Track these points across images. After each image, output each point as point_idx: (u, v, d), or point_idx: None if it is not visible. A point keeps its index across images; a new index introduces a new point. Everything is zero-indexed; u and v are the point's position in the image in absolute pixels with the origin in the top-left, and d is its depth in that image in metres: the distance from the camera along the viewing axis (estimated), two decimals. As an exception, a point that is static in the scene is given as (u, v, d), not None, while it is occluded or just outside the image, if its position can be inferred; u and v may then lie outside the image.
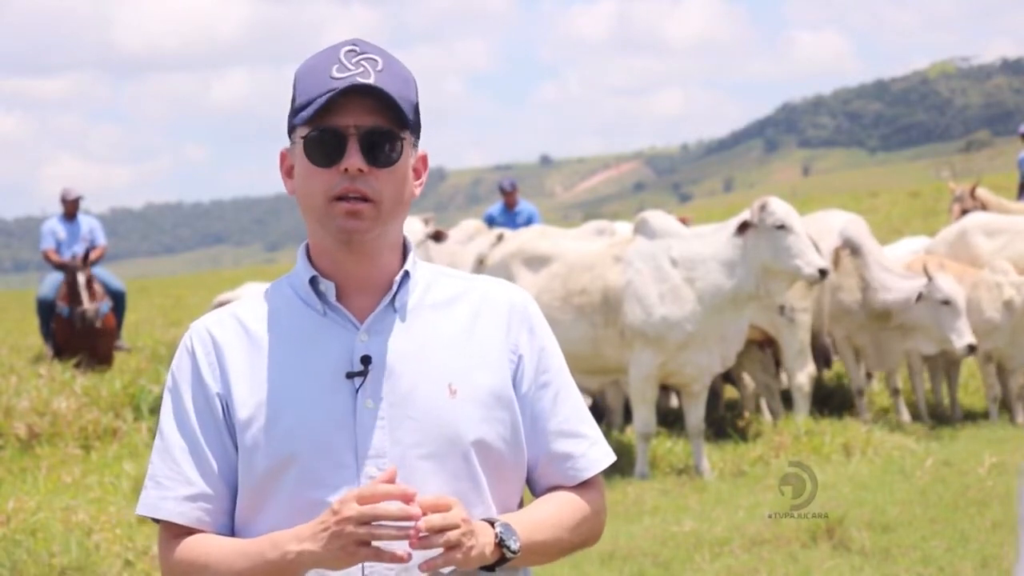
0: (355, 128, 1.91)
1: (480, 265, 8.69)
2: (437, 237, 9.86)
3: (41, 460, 8.21)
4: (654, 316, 7.44)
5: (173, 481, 1.97)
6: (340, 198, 1.92)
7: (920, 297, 8.14)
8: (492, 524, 1.92)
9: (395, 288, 1.99)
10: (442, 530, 1.82)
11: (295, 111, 1.96)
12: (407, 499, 1.80)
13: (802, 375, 8.45)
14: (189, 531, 1.97)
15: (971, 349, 8.03)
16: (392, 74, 1.94)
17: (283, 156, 2.03)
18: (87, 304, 11.13)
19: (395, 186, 1.95)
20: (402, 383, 1.95)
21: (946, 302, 8.07)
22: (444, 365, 1.97)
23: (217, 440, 1.97)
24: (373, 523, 1.80)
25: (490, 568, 1.91)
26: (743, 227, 7.34)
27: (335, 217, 1.93)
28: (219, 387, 1.97)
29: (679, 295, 7.41)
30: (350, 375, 1.94)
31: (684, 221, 10.38)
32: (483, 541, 1.87)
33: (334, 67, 1.92)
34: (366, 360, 1.94)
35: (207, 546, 1.95)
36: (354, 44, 1.96)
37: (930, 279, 8.13)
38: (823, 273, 7.22)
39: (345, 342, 1.96)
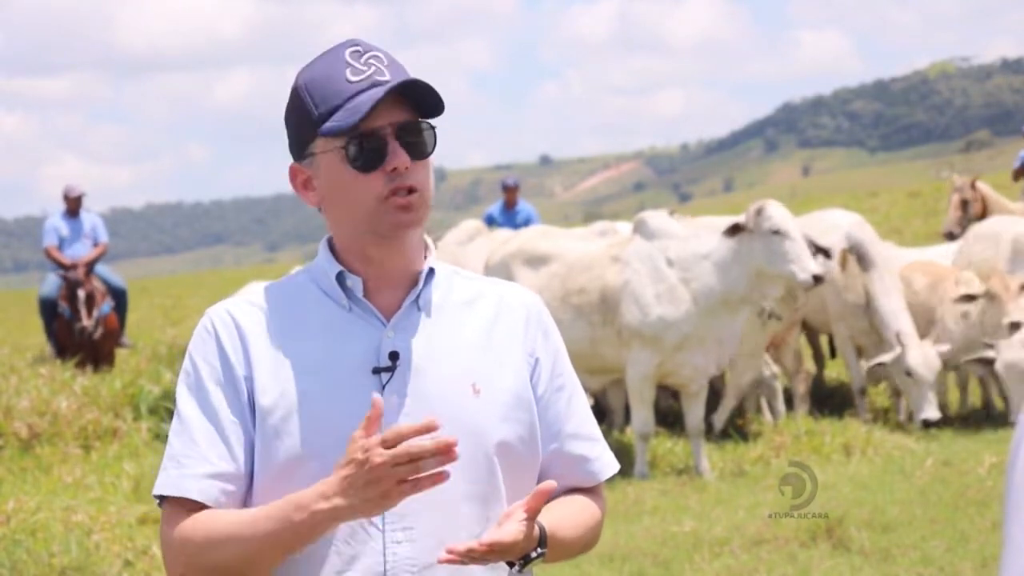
0: (391, 126, 1.92)
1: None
2: None
3: (41, 460, 8.22)
4: (650, 316, 7.44)
5: (193, 460, 1.93)
6: (390, 195, 1.93)
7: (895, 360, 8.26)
8: (539, 542, 1.93)
9: (421, 284, 2.00)
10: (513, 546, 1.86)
11: (316, 121, 1.93)
12: (432, 429, 1.76)
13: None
14: (199, 509, 1.93)
15: (926, 424, 8.15)
16: (398, 67, 1.96)
17: (295, 171, 2.01)
18: (86, 321, 11.19)
19: (429, 175, 1.98)
20: (427, 380, 1.95)
21: (908, 373, 8.19)
22: (468, 364, 1.98)
23: (241, 421, 1.94)
24: (411, 461, 1.76)
25: (510, 563, 1.94)
26: (734, 229, 7.31)
27: (388, 214, 1.92)
28: (244, 369, 1.95)
29: (675, 295, 7.40)
30: (377, 370, 1.94)
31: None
32: (518, 551, 1.90)
33: (347, 70, 1.92)
34: (394, 356, 1.94)
35: (219, 519, 1.90)
36: (355, 44, 1.96)
37: (903, 347, 8.20)
38: (817, 279, 7.17)
39: (371, 337, 1.96)
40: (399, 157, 1.91)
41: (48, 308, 11.64)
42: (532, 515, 1.88)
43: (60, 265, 11.56)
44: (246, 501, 1.96)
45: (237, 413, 1.94)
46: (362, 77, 1.91)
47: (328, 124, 1.91)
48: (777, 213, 7.28)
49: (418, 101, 1.94)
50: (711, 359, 7.49)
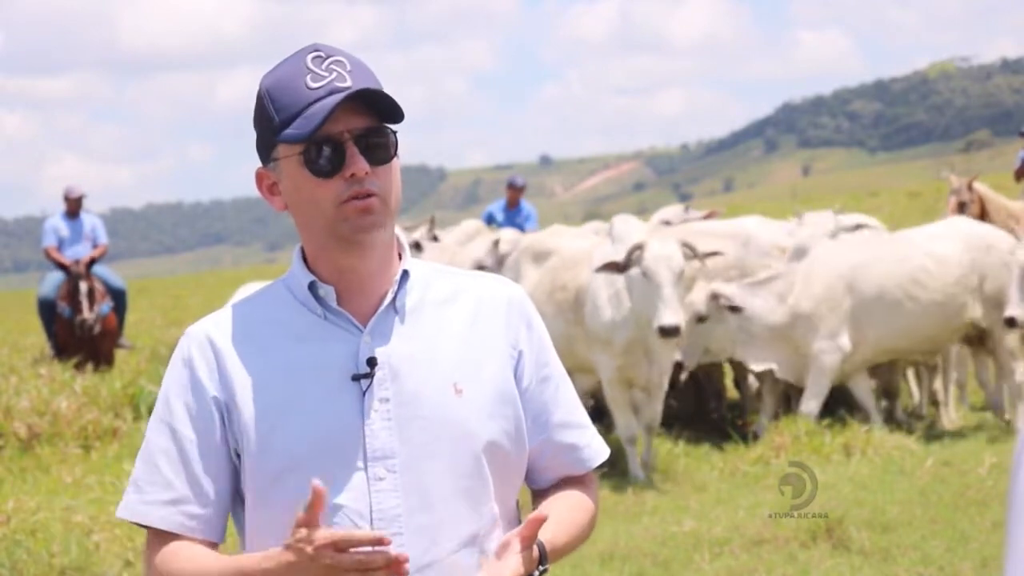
0: (349, 133, 1.92)
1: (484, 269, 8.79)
2: (416, 247, 9.90)
3: (41, 460, 8.22)
4: (602, 318, 7.51)
5: (153, 485, 1.96)
6: (348, 200, 1.92)
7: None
8: (539, 561, 1.95)
9: (395, 287, 2.00)
10: None
11: (277, 127, 1.93)
12: (384, 544, 1.78)
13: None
14: (174, 536, 1.96)
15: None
16: (361, 71, 1.95)
17: (261, 176, 2.01)
18: (87, 314, 11.22)
19: (394, 181, 1.97)
20: (408, 383, 1.95)
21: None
22: (448, 364, 1.98)
23: (206, 445, 1.96)
24: (359, 571, 1.78)
25: None
26: (609, 265, 7.28)
27: (348, 218, 1.92)
28: (218, 391, 1.95)
29: (620, 301, 7.45)
30: (356, 377, 1.94)
31: (713, 215, 10.57)
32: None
33: (307, 77, 1.92)
34: (372, 362, 1.94)
35: (184, 563, 1.94)
36: (317, 49, 1.95)
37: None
38: (664, 331, 7.02)
39: (349, 344, 1.96)
40: (357, 163, 1.91)
41: (47, 309, 11.65)
42: (528, 543, 1.90)
43: (59, 266, 11.58)
44: (216, 522, 1.98)
45: (203, 436, 1.96)
46: (322, 84, 1.91)
47: (287, 131, 1.92)
48: (651, 255, 7.12)
49: (379, 107, 1.94)
50: (654, 367, 7.51)
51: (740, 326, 8.16)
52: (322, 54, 1.94)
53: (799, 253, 8.36)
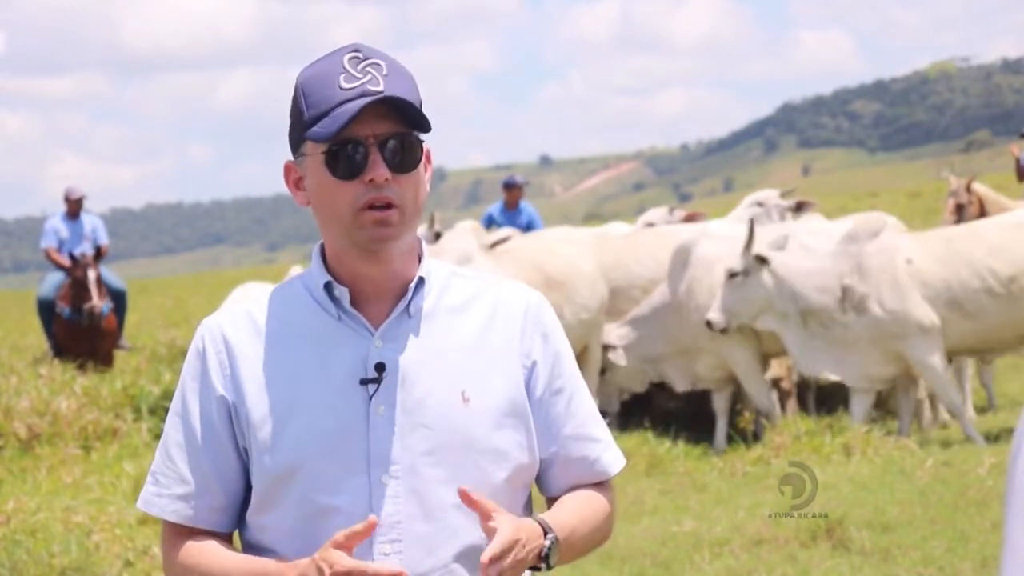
0: (374, 137, 1.91)
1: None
2: None
3: (41, 460, 8.21)
4: None
5: (168, 479, 2.00)
6: (366, 208, 1.91)
7: None
8: (543, 532, 1.93)
9: (410, 294, 1.98)
10: (503, 556, 1.84)
11: (306, 124, 1.93)
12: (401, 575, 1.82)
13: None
14: (190, 529, 2.01)
15: None
16: (398, 76, 1.93)
17: (289, 168, 2.02)
18: (96, 300, 11.11)
19: (415, 189, 1.95)
20: (415, 390, 1.94)
21: None
22: (458, 372, 1.96)
23: (215, 441, 1.98)
24: None
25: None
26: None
27: (364, 227, 1.91)
28: (227, 389, 1.97)
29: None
30: (364, 381, 1.93)
31: (695, 216, 10.61)
32: (530, 548, 1.90)
33: (341, 76, 1.90)
34: (380, 367, 1.93)
35: (202, 558, 1.98)
36: (356, 50, 1.94)
37: None
38: None
39: (359, 348, 1.95)
40: (377, 168, 1.90)
41: (46, 309, 11.62)
42: (477, 507, 1.87)
43: (59, 266, 11.55)
44: (224, 513, 2.01)
45: (213, 431, 1.98)
46: (354, 85, 1.90)
47: (314, 129, 1.91)
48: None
49: (409, 114, 1.93)
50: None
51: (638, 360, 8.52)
52: (360, 55, 1.93)
53: (680, 257, 8.42)
